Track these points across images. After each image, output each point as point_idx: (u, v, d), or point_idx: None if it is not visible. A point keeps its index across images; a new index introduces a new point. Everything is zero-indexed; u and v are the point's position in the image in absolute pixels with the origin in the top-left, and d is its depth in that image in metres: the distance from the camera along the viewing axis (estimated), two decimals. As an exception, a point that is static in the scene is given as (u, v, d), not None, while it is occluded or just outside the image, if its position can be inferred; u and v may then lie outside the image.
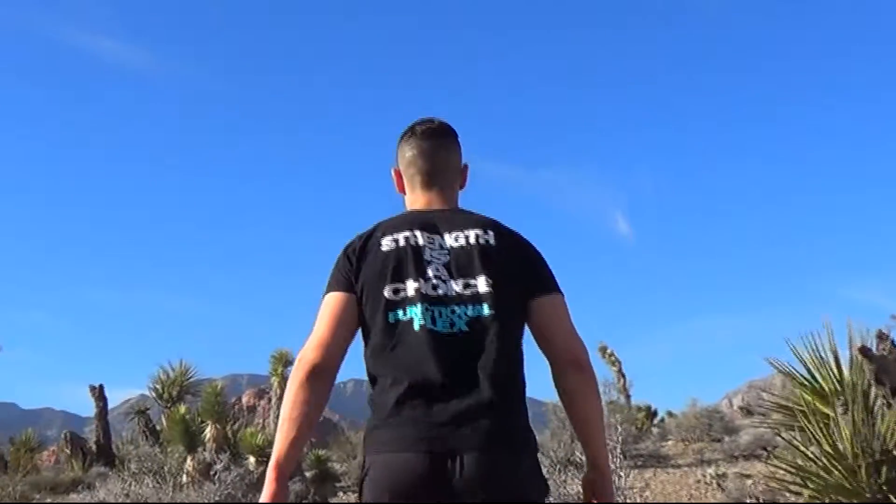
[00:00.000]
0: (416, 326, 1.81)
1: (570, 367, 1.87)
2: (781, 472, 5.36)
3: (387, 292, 1.86)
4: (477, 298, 1.84)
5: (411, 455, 1.68)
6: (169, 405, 10.59)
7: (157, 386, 11.50)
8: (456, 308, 1.83)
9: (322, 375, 1.84)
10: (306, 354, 1.84)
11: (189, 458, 8.84)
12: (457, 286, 1.86)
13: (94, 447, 16.86)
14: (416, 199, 2.11)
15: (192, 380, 13.32)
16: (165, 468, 8.32)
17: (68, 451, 14.58)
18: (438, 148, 2.12)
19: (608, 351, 19.08)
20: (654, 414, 18.59)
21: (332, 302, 1.91)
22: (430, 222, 1.98)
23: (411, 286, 1.85)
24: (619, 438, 7.81)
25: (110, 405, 15.45)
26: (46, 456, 21.14)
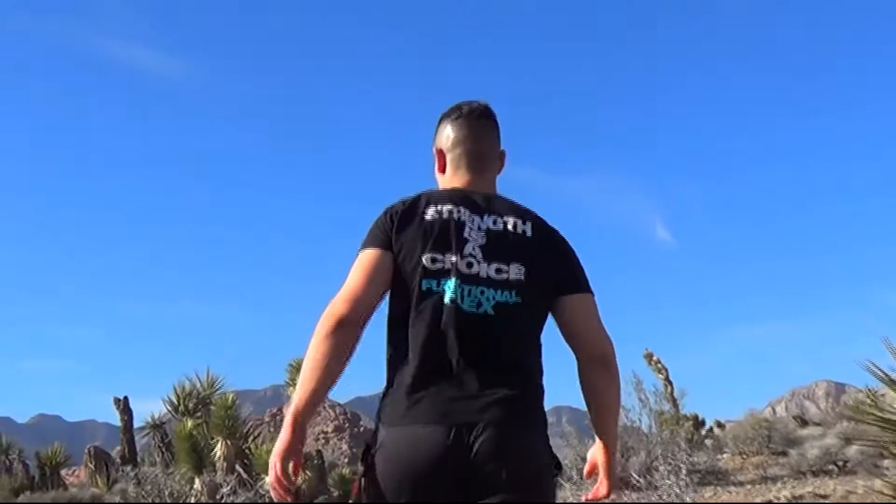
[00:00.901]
0: (447, 300, 1.81)
1: (597, 363, 1.91)
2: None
3: (425, 260, 1.85)
4: (507, 284, 1.85)
5: (429, 428, 1.70)
6: (184, 418, 9.87)
7: (173, 398, 10.74)
8: (485, 289, 1.84)
9: (349, 329, 1.81)
10: (336, 306, 1.81)
11: (197, 480, 8.02)
12: (490, 269, 1.86)
13: (119, 462, 16.49)
14: (457, 178, 2.06)
15: (219, 391, 12.53)
16: (166, 491, 7.53)
17: (92, 467, 14.10)
18: (484, 130, 2.10)
19: (654, 358, 18.00)
20: (702, 423, 17.62)
21: (368, 257, 1.89)
22: (473, 201, 1.96)
23: (449, 259, 1.85)
24: (684, 457, 6.91)
25: (147, 418, 14.84)
26: (81, 471, 20.85)
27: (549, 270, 1.91)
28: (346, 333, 1.80)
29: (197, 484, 7.78)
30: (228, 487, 7.17)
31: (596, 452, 2.02)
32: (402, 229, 1.89)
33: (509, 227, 1.93)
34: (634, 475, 7.98)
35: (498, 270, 1.86)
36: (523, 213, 1.98)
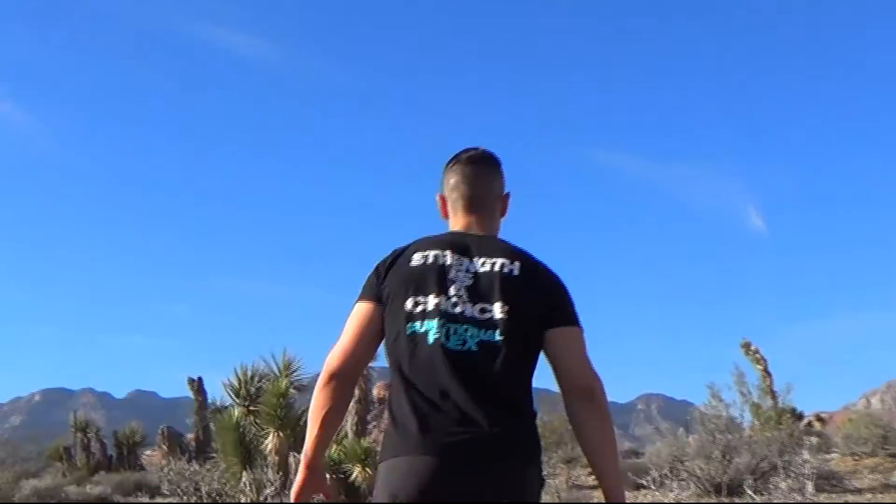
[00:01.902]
0: (430, 340, 1.92)
1: (580, 396, 1.93)
2: None
3: (408, 304, 1.98)
4: (490, 324, 1.94)
5: (417, 458, 1.81)
6: (246, 404, 9.09)
7: (235, 381, 9.94)
8: (469, 328, 1.93)
9: (341, 382, 1.99)
10: (330, 362, 2.00)
11: (244, 475, 7.20)
12: (474, 309, 1.96)
13: (192, 443, 16.30)
14: (456, 222, 2.19)
15: (296, 374, 11.54)
16: (203, 489, 6.77)
17: (165, 448, 13.96)
18: (481, 175, 2.21)
19: (752, 348, 16.67)
20: (800, 417, 16.19)
21: (359, 312, 2.04)
22: (463, 244, 2.07)
23: (432, 301, 1.96)
24: (802, 461, 5.89)
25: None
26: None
27: (533, 307, 1.96)
28: (339, 386, 1.99)
29: (244, 479, 6.96)
30: (272, 488, 6.21)
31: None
32: (389, 279, 2.03)
33: (496, 268, 2.00)
34: (747, 480, 6.94)
35: (482, 310, 1.95)
36: (513, 254, 2.05)
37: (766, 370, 16.09)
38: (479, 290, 1.97)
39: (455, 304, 1.95)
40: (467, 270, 2.00)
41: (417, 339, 1.92)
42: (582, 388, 1.92)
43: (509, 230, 2.25)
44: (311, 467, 1.97)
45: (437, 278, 1.98)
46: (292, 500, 1.96)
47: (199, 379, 15.47)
